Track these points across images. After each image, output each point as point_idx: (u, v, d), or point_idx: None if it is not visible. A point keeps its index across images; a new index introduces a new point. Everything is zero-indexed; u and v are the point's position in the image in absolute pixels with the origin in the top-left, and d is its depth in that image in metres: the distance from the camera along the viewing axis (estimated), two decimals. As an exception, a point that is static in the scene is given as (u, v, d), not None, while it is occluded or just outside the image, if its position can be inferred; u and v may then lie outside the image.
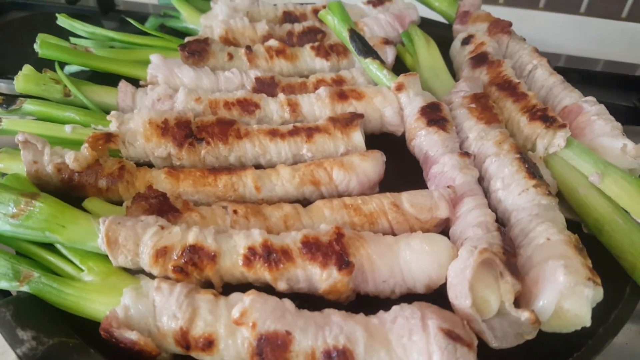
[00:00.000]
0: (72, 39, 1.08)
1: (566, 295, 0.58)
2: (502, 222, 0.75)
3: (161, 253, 0.60)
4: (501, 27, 1.09)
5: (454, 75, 1.09)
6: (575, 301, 0.58)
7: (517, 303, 0.60)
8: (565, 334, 0.60)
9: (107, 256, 0.62)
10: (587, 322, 0.58)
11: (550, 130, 0.82)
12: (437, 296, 0.62)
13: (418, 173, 0.86)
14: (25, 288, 0.60)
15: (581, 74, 1.44)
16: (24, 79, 0.90)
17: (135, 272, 0.63)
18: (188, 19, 1.17)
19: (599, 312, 0.60)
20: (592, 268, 0.61)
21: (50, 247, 0.65)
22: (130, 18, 1.16)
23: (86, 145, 0.74)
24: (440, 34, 1.21)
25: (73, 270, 0.62)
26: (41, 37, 0.99)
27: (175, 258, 0.60)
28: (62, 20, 1.08)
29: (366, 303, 0.64)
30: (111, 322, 0.54)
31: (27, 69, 0.91)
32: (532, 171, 0.75)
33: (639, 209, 0.71)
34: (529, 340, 0.58)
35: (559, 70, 1.02)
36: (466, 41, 1.08)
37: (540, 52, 1.04)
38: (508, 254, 0.62)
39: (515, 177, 0.75)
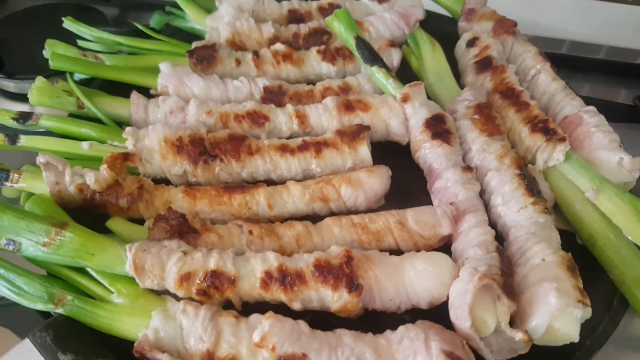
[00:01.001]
0: (80, 42, 1.09)
1: (557, 316, 0.63)
2: (501, 236, 0.79)
3: (185, 278, 0.65)
4: (506, 28, 1.10)
5: (459, 75, 1.10)
6: (566, 321, 0.63)
7: (512, 320, 0.66)
8: (554, 346, 0.66)
9: (134, 278, 0.67)
10: (576, 338, 0.64)
11: (550, 144, 0.85)
12: (438, 309, 0.68)
13: (421, 180, 0.89)
14: (60, 310, 0.65)
15: (584, 62, 1.45)
16: (38, 92, 0.91)
17: (161, 292, 0.69)
18: (193, 18, 1.16)
19: (587, 325, 0.66)
20: (583, 284, 0.67)
21: (80, 269, 0.69)
22: (131, 8, 1.15)
23: (105, 166, 0.78)
24: (445, 29, 1.21)
25: (103, 292, 0.67)
26: (51, 46, 0.99)
27: (198, 282, 0.65)
28: (69, 25, 1.08)
29: (373, 317, 0.70)
30: (144, 345, 0.60)
31: (40, 81, 0.92)
32: (531, 188, 0.78)
33: (630, 226, 0.76)
34: (521, 352, 0.64)
35: (562, 58, 1.02)
36: (471, 43, 1.08)
37: (545, 37, 1.03)
38: (505, 275, 0.67)
39: (515, 194, 0.78)
